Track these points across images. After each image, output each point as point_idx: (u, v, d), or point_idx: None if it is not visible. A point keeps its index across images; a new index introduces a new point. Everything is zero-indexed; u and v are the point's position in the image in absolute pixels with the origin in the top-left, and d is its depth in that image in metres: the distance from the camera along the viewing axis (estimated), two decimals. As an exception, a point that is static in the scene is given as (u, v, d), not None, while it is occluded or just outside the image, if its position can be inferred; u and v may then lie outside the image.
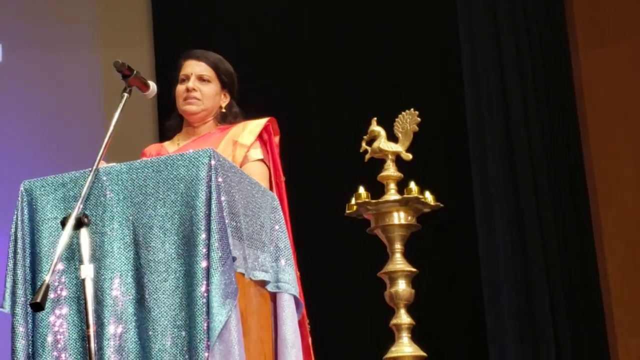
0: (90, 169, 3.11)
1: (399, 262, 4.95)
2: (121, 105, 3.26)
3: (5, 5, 7.29)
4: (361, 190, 4.96)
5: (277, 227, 3.45)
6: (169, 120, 4.11)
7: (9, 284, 3.17)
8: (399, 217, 4.95)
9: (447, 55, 6.55)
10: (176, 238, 3.03)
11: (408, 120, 5.04)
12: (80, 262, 2.96)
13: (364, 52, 6.92)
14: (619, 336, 5.89)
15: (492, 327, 5.97)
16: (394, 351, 4.89)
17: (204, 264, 2.95)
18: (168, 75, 4.06)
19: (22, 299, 3.13)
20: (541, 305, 5.90)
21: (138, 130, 6.58)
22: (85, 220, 2.97)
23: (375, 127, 5.04)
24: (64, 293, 3.10)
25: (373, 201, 4.94)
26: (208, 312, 2.91)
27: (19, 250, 3.17)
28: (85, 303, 2.92)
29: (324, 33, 7.00)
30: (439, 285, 6.20)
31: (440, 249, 6.34)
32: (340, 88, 6.88)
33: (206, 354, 2.88)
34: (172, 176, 3.07)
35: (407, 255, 4.99)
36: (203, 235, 2.96)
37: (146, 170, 3.11)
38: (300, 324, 3.56)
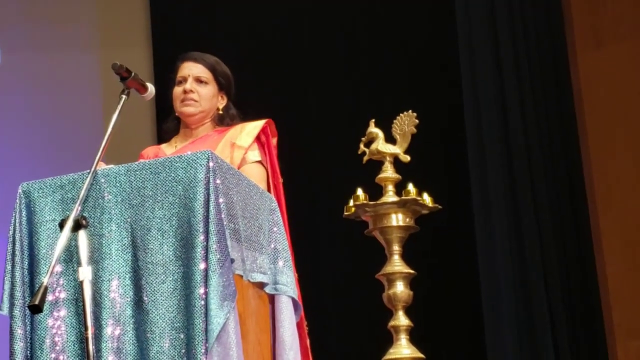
0: (88, 170, 3.11)
1: (397, 264, 4.95)
2: (119, 108, 3.26)
3: (5, 7, 7.29)
4: (359, 191, 4.96)
5: (275, 228, 3.45)
6: (167, 122, 4.11)
7: (7, 286, 3.17)
8: (397, 219, 4.95)
9: (446, 61, 6.55)
10: (174, 240, 3.03)
11: (406, 122, 5.05)
12: (79, 264, 2.96)
13: (364, 58, 6.92)
14: (618, 339, 5.89)
15: (490, 329, 5.97)
16: (392, 353, 4.89)
17: (202, 266, 2.95)
18: (166, 77, 4.06)
19: (21, 301, 3.13)
20: (539, 309, 5.90)
21: (136, 132, 6.58)
22: (84, 222, 2.97)
23: (373, 129, 5.05)
24: (62, 295, 3.10)
25: (371, 203, 4.94)
26: (206, 314, 2.91)
27: (17, 252, 3.17)
28: (84, 305, 2.93)
29: (323, 39, 7.00)
30: (437, 287, 6.20)
31: (439, 251, 6.34)
32: (339, 94, 6.88)
33: (204, 356, 2.88)
34: (170, 178, 3.07)
35: (405, 257, 4.99)
36: (201, 237, 2.96)
37: (144, 172, 3.11)
38: (299, 325, 3.56)
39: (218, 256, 2.95)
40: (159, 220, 3.05)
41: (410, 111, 5.06)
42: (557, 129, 6.25)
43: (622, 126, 6.07)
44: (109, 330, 3.00)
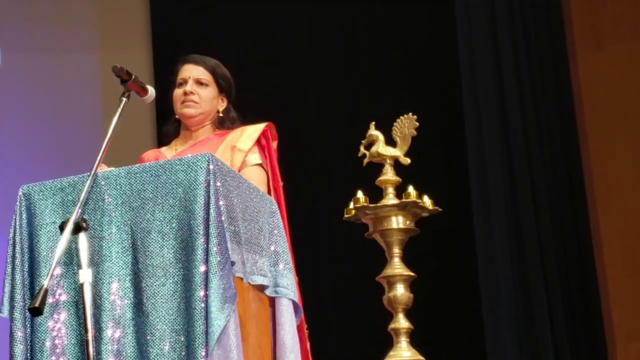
0: (88, 173, 3.11)
1: (397, 267, 4.95)
2: (120, 110, 3.26)
3: (5, 8, 7.29)
4: (359, 194, 4.96)
5: (275, 231, 3.45)
6: (167, 125, 4.11)
7: (7, 289, 3.17)
8: (397, 222, 4.95)
9: (446, 62, 6.55)
10: (174, 242, 3.03)
11: (406, 125, 5.05)
12: (79, 266, 2.96)
13: (364, 58, 6.92)
14: (618, 340, 5.89)
15: (490, 331, 5.97)
16: (393, 355, 4.89)
17: (202, 268, 2.94)
18: (166, 79, 4.06)
19: (21, 303, 3.13)
20: (539, 310, 5.90)
21: (136, 135, 6.58)
22: (84, 224, 2.98)
23: (373, 132, 5.04)
24: (63, 297, 3.09)
25: (371, 205, 4.94)
26: (206, 317, 2.91)
27: (18, 255, 3.17)
28: (84, 307, 2.93)
29: (323, 40, 7.00)
30: (438, 289, 6.20)
31: (439, 254, 6.34)
32: (339, 95, 6.88)
33: (205, 359, 2.87)
34: (170, 181, 3.07)
35: (406, 260, 4.99)
36: (201, 240, 2.96)
37: (144, 174, 3.11)
38: (299, 328, 3.56)
39: (218, 259, 2.94)
40: (159, 223, 3.05)
41: (410, 114, 5.06)
42: (557, 129, 6.25)
43: (622, 126, 6.07)
44: (109, 332, 3.00)
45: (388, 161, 5.03)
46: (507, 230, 6.03)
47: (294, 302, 3.43)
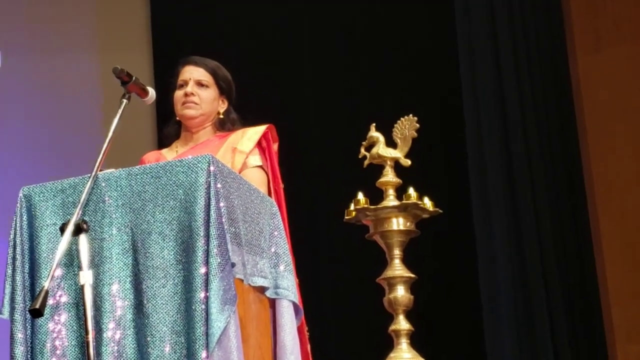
0: (89, 174, 3.11)
1: (397, 268, 4.94)
2: (120, 112, 3.26)
3: (5, 10, 7.29)
4: (360, 196, 4.96)
5: (276, 233, 3.45)
6: (167, 127, 4.11)
7: (7, 290, 3.17)
8: (398, 223, 4.95)
9: (446, 62, 6.55)
10: (175, 244, 3.03)
11: (407, 126, 5.05)
12: (79, 268, 2.96)
13: (364, 59, 6.92)
14: (618, 339, 5.89)
15: (490, 333, 5.96)
16: (393, 357, 4.89)
17: (202, 270, 2.94)
18: (167, 81, 4.07)
19: (21, 305, 3.13)
20: (539, 310, 5.90)
21: (137, 136, 6.58)
22: (84, 226, 2.98)
23: (374, 133, 5.05)
24: (63, 299, 3.09)
25: (372, 207, 4.94)
26: (207, 318, 2.91)
27: (18, 256, 3.17)
28: (84, 309, 2.93)
29: (323, 40, 7.00)
30: (438, 291, 6.19)
31: (439, 255, 6.34)
32: (339, 95, 6.88)
33: (205, 361, 2.88)
34: (171, 182, 3.07)
35: (406, 261, 4.99)
36: (202, 241, 2.96)
37: (145, 176, 3.11)
38: (300, 330, 3.56)
39: (219, 260, 2.94)
40: (159, 224, 3.05)
41: (411, 115, 5.06)
42: (556, 129, 6.25)
43: (622, 127, 6.08)
44: (109, 334, 3.00)
45: (388, 163, 5.03)
46: (507, 230, 6.03)
47: (294, 304, 3.43)
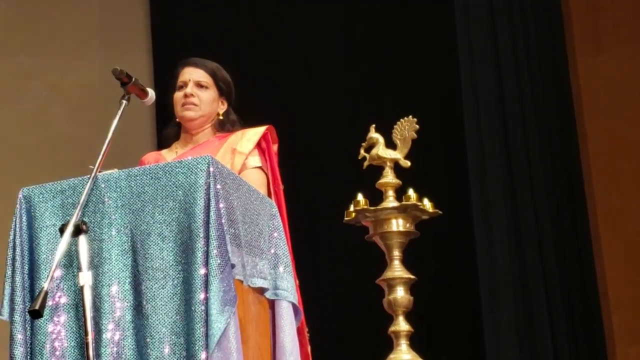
0: (88, 175, 3.11)
1: (397, 269, 4.94)
2: (120, 113, 3.26)
3: (5, 12, 7.30)
4: (360, 197, 4.96)
5: (275, 234, 3.45)
6: (167, 128, 4.11)
7: (7, 291, 3.16)
8: (398, 224, 4.95)
9: (446, 63, 6.55)
10: (174, 245, 3.02)
11: (406, 127, 5.05)
12: (79, 269, 2.96)
13: (364, 60, 6.92)
14: (618, 343, 5.88)
15: (490, 334, 5.96)
16: (393, 358, 4.89)
17: (202, 271, 2.94)
18: (166, 82, 4.06)
19: (21, 306, 3.13)
20: (539, 313, 5.90)
21: (136, 137, 6.58)
22: (84, 227, 2.98)
23: (373, 134, 5.05)
24: (63, 300, 3.09)
25: (371, 208, 4.94)
26: (206, 320, 2.90)
27: (18, 257, 3.17)
28: (84, 310, 2.93)
29: (323, 40, 7.00)
30: (438, 292, 6.19)
31: (439, 256, 6.33)
32: (339, 96, 6.88)
33: (204, 362, 2.88)
34: (170, 183, 3.07)
35: (406, 263, 4.99)
36: (201, 242, 2.96)
37: (144, 177, 3.11)
38: (299, 331, 3.55)
39: (218, 261, 2.94)
40: (159, 225, 3.05)
41: (410, 116, 5.06)
42: (556, 131, 6.25)
43: (621, 129, 6.07)
44: (108, 335, 2.99)
45: (388, 164, 5.03)
46: (507, 231, 6.03)
47: (293, 305, 3.43)
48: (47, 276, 2.88)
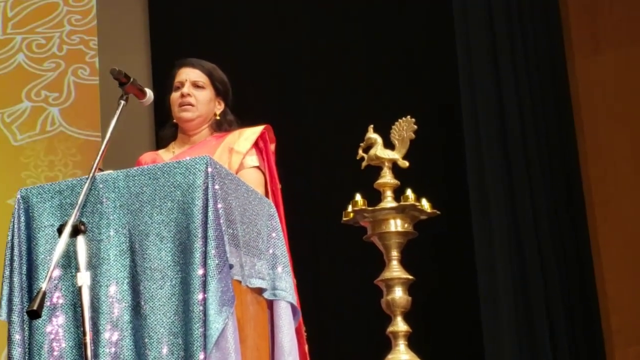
0: (86, 176, 3.11)
1: (395, 270, 4.94)
2: (118, 113, 3.26)
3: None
4: (358, 197, 4.95)
5: (273, 234, 3.45)
6: (164, 129, 4.11)
7: (5, 292, 3.16)
8: (396, 225, 4.94)
9: (444, 64, 6.55)
10: (172, 245, 3.03)
11: (405, 128, 5.05)
12: (77, 269, 2.96)
13: (361, 60, 6.92)
14: (617, 344, 5.87)
15: (489, 335, 5.96)
16: (391, 359, 4.89)
17: (200, 271, 2.94)
18: (165, 82, 4.06)
19: (19, 306, 3.12)
20: (538, 314, 5.90)
21: (134, 138, 6.57)
22: (82, 227, 2.98)
23: (371, 135, 5.04)
24: (61, 300, 3.09)
25: (370, 208, 4.94)
26: (205, 320, 2.91)
27: (16, 258, 3.17)
28: (82, 310, 2.93)
29: (322, 41, 7.00)
30: (436, 292, 6.19)
31: (438, 257, 6.33)
32: (337, 96, 6.88)
33: (203, 362, 2.88)
34: (168, 183, 3.07)
35: (404, 263, 4.98)
36: (199, 243, 2.96)
37: (142, 177, 3.11)
38: (297, 331, 3.55)
39: (216, 261, 2.94)
40: (157, 226, 3.05)
41: (409, 117, 5.06)
42: (555, 132, 6.24)
43: (620, 131, 6.07)
44: (106, 335, 2.99)
45: (386, 164, 5.03)
46: (506, 232, 6.03)
47: (292, 305, 3.43)
48: (45, 276, 2.88)
